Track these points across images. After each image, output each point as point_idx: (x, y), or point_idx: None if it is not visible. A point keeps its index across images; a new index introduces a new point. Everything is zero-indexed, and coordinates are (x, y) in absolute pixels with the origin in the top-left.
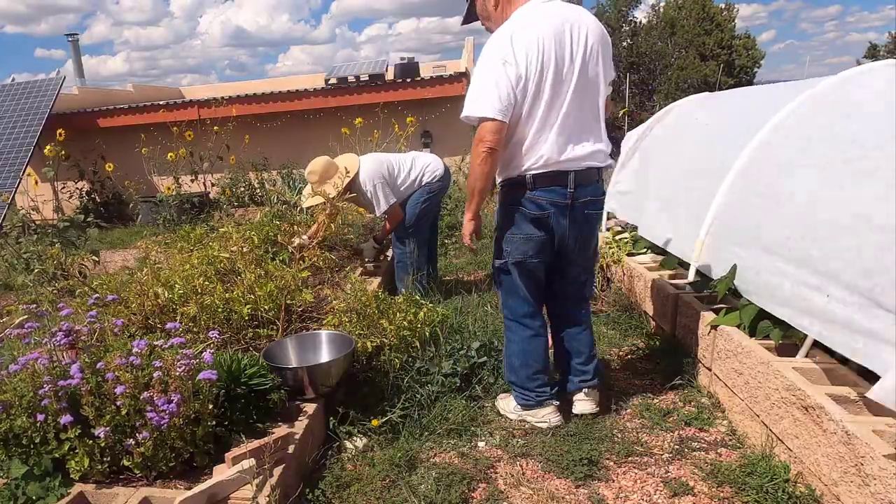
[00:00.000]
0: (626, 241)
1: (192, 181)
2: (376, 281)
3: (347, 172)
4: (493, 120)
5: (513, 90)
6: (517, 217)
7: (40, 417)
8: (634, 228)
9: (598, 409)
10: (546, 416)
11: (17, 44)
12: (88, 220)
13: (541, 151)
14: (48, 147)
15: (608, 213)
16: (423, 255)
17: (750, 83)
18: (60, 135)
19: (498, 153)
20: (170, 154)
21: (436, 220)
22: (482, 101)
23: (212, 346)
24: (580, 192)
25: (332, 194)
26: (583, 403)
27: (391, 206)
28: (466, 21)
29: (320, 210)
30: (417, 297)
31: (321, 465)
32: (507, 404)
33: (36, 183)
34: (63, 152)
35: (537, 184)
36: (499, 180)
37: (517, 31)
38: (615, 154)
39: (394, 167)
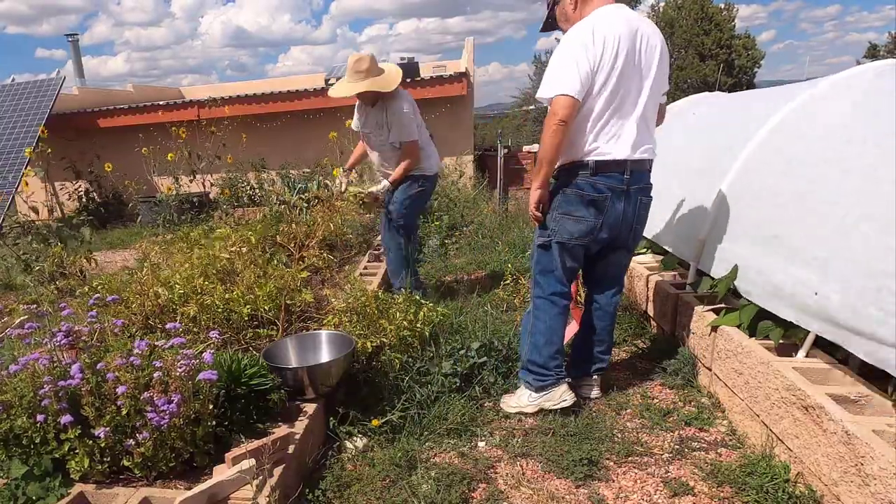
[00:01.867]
0: None
1: (191, 181)
2: (376, 281)
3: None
4: (568, 96)
5: (590, 72)
6: (573, 198)
7: (40, 418)
8: None
9: (601, 394)
10: (563, 395)
11: (18, 44)
12: (82, 218)
13: (607, 139)
14: (27, 150)
15: None
16: (416, 250)
17: (749, 83)
18: (44, 132)
19: (569, 127)
20: (169, 154)
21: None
22: (561, 79)
23: (212, 346)
24: (635, 179)
25: (390, 87)
26: (592, 389)
27: (413, 140)
28: (546, 29)
29: (318, 210)
30: (417, 297)
31: (321, 466)
32: (519, 399)
33: (26, 184)
34: (50, 151)
35: (599, 169)
36: (560, 162)
37: (598, 24)
38: None
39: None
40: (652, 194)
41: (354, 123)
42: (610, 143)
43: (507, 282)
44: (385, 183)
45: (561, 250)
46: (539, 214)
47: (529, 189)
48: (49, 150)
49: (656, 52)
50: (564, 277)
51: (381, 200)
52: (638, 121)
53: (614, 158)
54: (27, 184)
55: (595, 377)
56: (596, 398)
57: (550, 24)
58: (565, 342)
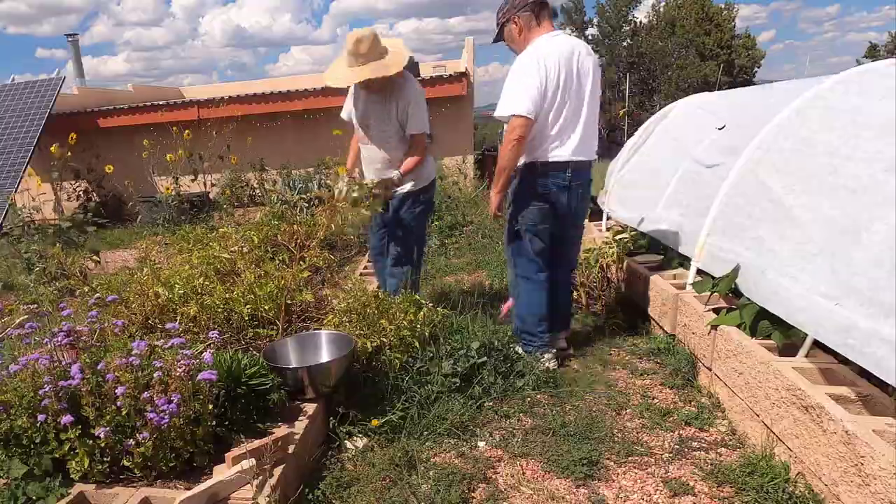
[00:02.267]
0: (625, 240)
1: (191, 181)
2: (377, 281)
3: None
4: (523, 116)
5: (539, 94)
6: (529, 193)
7: (41, 417)
8: (635, 228)
9: (568, 346)
10: (548, 361)
11: (18, 44)
12: (87, 218)
13: (553, 145)
14: (53, 147)
15: (607, 213)
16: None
17: (749, 83)
18: (72, 139)
19: (525, 143)
20: (168, 155)
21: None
22: (515, 100)
23: (212, 346)
24: (576, 176)
25: (396, 68)
26: (560, 341)
27: (424, 133)
28: (496, 40)
29: (320, 212)
30: (418, 297)
31: (321, 465)
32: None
33: (39, 184)
34: (69, 154)
35: (549, 169)
36: (518, 164)
37: (541, 51)
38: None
39: None
40: (645, 192)
41: (346, 112)
42: (555, 148)
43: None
44: (397, 173)
45: (530, 235)
46: (500, 214)
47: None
48: (69, 153)
49: (591, 70)
50: (536, 256)
51: (396, 186)
52: (580, 128)
53: (558, 160)
54: (40, 183)
55: (561, 333)
56: (564, 348)
57: (499, 38)
58: (501, 316)
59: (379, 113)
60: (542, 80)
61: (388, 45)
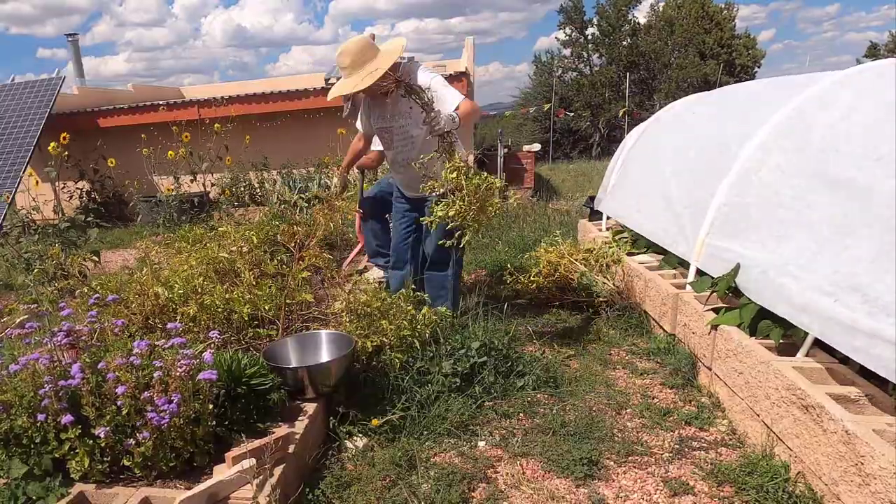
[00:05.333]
0: (625, 240)
1: (191, 181)
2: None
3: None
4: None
5: None
6: None
7: (41, 417)
8: (633, 228)
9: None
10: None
11: (19, 44)
12: (89, 219)
13: None
14: (52, 145)
15: (607, 213)
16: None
17: None
18: (65, 138)
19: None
20: (169, 153)
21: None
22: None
23: (212, 346)
24: None
25: (385, 66)
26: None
27: (462, 98)
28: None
29: (318, 210)
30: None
31: (321, 465)
32: None
33: (37, 183)
34: (66, 153)
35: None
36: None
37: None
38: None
39: None
40: (645, 192)
41: (364, 123)
42: None
43: (508, 281)
44: (453, 114)
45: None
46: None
47: (529, 188)
48: (66, 153)
49: None
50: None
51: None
52: None
53: None
54: (38, 183)
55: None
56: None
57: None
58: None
59: (399, 115)
60: None
61: (383, 46)
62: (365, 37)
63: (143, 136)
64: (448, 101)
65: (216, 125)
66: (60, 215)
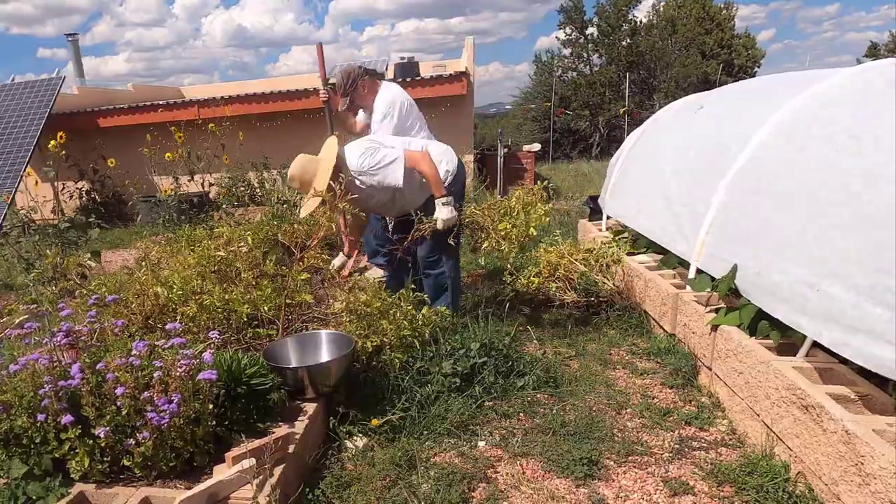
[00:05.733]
0: (625, 240)
1: (189, 181)
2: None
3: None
4: None
5: None
6: None
7: (41, 417)
8: (634, 228)
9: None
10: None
11: (20, 45)
12: (90, 220)
13: None
14: (52, 143)
15: (607, 213)
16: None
17: None
18: (62, 137)
19: None
20: (168, 154)
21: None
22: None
23: (212, 346)
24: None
25: (320, 188)
26: None
27: (396, 160)
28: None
29: (321, 213)
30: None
31: (321, 465)
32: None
33: (36, 183)
34: (63, 153)
35: None
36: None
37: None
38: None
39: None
40: (645, 192)
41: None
42: None
43: (508, 281)
44: (449, 203)
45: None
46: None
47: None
48: (63, 153)
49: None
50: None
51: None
52: None
53: None
54: (37, 183)
55: None
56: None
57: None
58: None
59: (356, 189)
60: None
61: (320, 155)
62: (303, 156)
63: (147, 136)
64: (389, 175)
65: (211, 125)
66: (59, 215)
